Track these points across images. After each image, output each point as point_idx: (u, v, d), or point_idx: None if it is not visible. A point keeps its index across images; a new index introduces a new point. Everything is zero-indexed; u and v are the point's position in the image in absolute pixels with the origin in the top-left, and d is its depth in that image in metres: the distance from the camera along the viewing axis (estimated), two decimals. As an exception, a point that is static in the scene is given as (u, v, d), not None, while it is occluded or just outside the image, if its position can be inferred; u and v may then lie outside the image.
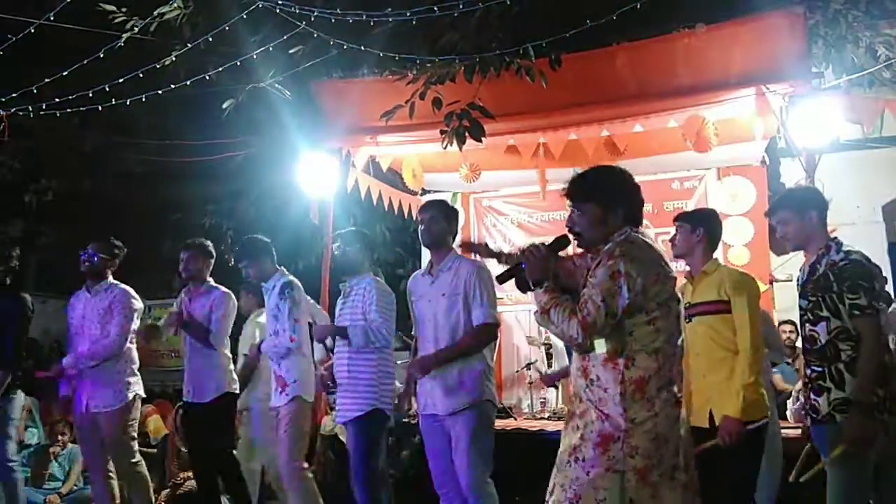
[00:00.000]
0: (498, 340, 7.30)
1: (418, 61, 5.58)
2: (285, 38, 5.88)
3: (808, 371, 3.05)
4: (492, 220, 8.10)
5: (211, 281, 4.79)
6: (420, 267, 4.11)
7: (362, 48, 5.66)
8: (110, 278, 4.76)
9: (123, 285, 4.74)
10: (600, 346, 2.45)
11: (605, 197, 2.53)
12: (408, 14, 5.38)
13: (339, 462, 5.91)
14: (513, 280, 2.67)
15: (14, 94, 6.00)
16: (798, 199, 3.19)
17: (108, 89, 5.80)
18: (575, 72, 5.35)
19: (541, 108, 5.74)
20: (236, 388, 4.77)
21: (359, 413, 3.95)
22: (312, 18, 5.49)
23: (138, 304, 4.73)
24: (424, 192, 7.87)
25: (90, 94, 5.87)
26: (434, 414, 3.72)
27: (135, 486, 4.69)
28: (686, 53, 5.44)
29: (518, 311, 7.61)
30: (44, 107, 6.04)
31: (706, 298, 3.36)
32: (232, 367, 4.79)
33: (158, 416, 6.94)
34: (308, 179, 6.50)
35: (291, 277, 4.44)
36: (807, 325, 3.05)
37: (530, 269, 2.52)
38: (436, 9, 5.30)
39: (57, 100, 5.98)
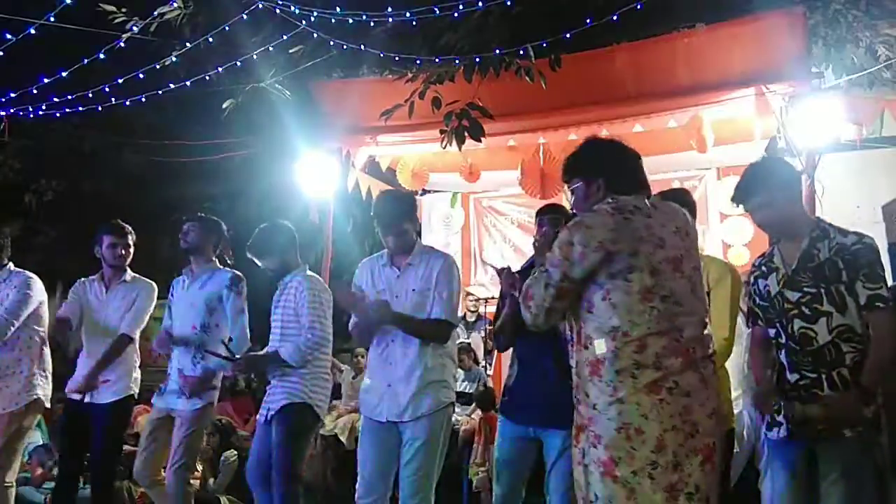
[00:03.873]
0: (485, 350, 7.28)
1: (418, 61, 5.58)
2: (285, 38, 5.89)
3: (792, 376, 2.54)
4: (492, 220, 8.09)
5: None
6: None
7: (362, 48, 5.66)
8: None
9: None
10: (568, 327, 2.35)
11: (586, 170, 2.48)
12: (408, 14, 5.38)
13: (338, 462, 5.92)
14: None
15: (14, 94, 6.00)
16: (775, 177, 2.62)
17: (108, 89, 5.81)
18: (575, 72, 5.34)
19: (541, 108, 5.73)
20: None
21: (286, 402, 3.68)
22: (312, 18, 5.50)
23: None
24: (424, 192, 7.86)
25: (90, 94, 5.88)
26: (387, 419, 3.37)
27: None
28: (686, 53, 5.43)
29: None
30: (44, 107, 6.05)
31: None
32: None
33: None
34: (308, 179, 6.49)
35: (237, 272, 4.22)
36: (796, 321, 2.53)
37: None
38: (436, 9, 5.30)
39: (57, 100, 5.98)
